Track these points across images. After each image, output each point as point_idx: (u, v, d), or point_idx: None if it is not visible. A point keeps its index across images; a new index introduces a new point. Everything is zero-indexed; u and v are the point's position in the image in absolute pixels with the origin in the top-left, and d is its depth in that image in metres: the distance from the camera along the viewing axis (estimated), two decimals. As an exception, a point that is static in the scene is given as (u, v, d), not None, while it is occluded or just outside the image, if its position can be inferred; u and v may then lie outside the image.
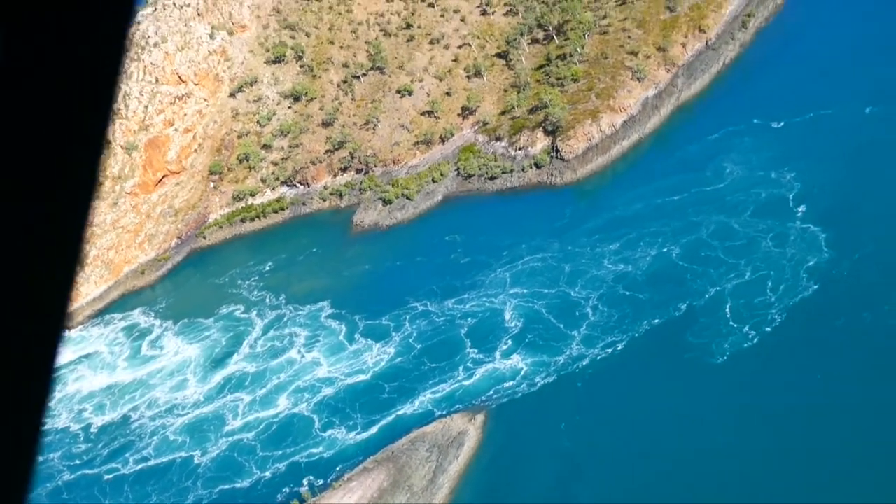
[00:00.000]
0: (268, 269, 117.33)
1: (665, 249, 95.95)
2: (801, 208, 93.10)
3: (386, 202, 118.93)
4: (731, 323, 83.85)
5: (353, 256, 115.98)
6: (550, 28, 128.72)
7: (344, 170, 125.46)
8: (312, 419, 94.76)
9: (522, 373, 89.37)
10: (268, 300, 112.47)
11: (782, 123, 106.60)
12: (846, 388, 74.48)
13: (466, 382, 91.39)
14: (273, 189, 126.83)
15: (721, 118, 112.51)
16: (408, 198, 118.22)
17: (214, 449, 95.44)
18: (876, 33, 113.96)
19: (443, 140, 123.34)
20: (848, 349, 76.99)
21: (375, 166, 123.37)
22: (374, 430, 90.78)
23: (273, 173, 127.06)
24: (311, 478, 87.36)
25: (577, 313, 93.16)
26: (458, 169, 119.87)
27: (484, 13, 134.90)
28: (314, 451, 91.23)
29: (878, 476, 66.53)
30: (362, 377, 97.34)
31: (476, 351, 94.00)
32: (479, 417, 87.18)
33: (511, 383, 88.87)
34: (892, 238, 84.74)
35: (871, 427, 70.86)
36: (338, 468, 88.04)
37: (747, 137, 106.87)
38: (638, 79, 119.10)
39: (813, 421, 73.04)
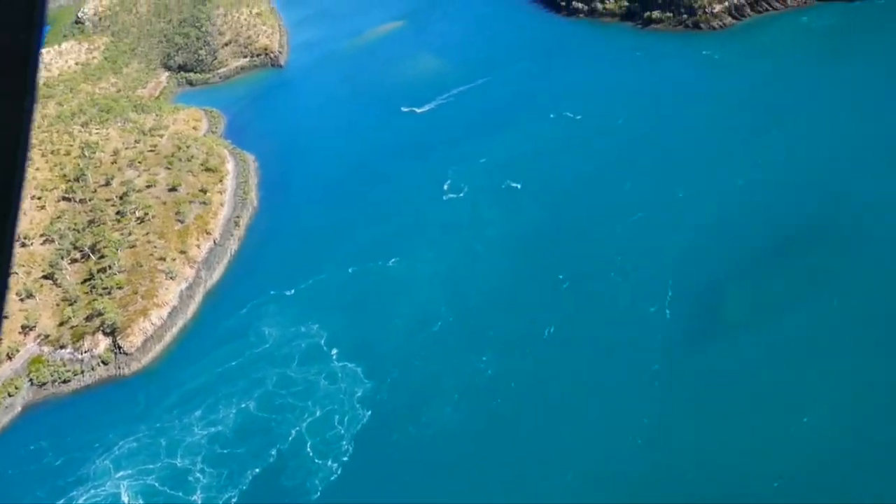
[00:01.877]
0: None
1: (243, 405, 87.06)
2: (335, 351, 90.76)
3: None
4: (315, 460, 77.79)
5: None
6: (86, 249, 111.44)
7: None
8: None
9: (159, 547, 73.42)
10: None
11: (293, 291, 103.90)
12: (416, 489, 71.94)
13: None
14: None
15: (244, 295, 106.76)
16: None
17: None
18: (325, 221, 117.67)
19: (10, 357, 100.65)
20: (406, 458, 74.58)
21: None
22: None
23: None
24: None
25: (190, 479, 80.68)
26: (31, 380, 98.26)
27: (23, 245, 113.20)
28: None
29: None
30: None
31: (109, 540, 75.45)
32: None
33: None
34: (408, 364, 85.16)
35: None
36: None
37: (271, 305, 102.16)
38: (171, 278, 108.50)
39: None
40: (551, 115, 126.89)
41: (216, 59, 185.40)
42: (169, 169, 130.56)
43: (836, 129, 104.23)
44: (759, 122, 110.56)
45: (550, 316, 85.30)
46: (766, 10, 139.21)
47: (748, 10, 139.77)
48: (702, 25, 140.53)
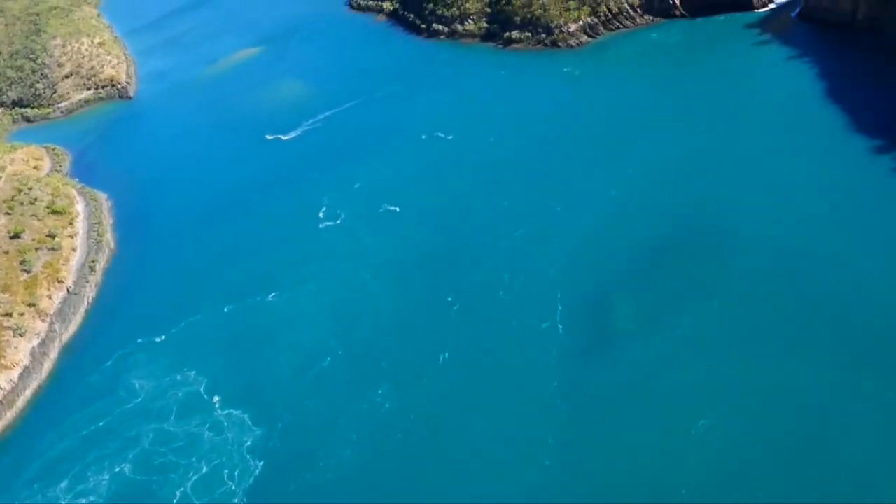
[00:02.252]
0: None
1: (117, 469, 79.32)
2: (217, 398, 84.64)
3: None
4: (207, 523, 70.46)
5: None
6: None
7: None
8: None
9: None
10: None
11: (164, 336, 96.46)
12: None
13: None
14: None
15: (108, 346, 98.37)
16: None
17: None
18: (193, 259, 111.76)
19: None
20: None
21: None
22: None
23: None
24: None
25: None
26: None
27: None
28: None
29: None
30: None
31: None
32: None
33: None
34: (299, 406, 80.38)
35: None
36: None
37: (140, 354, 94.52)
38: (20, 334, 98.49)
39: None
40: (423, 137, 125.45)
41: (56, 92, 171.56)
42: (9, 214, 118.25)
43: (693, 137, 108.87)
44: (624, 134, 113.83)
45: (443, 341, 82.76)
46: (618, 27, 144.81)
47: (601, 29, 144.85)
48: (559, 44, 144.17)
